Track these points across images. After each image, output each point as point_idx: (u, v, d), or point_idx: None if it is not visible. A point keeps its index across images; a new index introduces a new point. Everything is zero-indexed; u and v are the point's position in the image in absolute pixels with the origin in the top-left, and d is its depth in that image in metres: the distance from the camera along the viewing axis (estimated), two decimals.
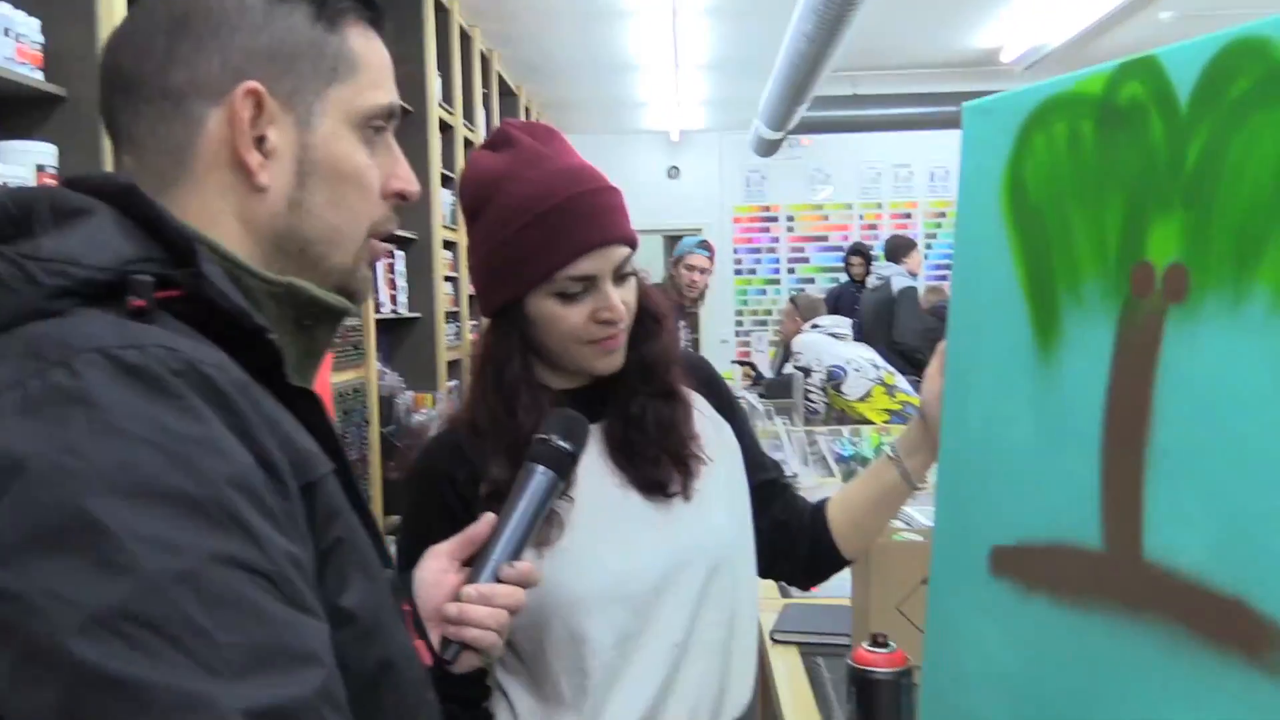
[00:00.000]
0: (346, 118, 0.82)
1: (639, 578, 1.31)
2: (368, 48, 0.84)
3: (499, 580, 1.09)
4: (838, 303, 7.52)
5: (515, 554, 1.11)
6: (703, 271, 4.94)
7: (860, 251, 8.34)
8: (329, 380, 3.26)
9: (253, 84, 0.78)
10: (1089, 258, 1.02)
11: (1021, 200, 1.12)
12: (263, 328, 0.74)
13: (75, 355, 0.63)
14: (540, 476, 1.13)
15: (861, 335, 6.72)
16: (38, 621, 0.56)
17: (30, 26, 2.15)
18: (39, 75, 2.17)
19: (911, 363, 6.28)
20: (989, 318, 1.17)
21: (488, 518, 1.13)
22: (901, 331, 6.40)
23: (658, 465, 1.36)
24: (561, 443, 1.14)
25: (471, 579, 1.10)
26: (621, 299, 1.31)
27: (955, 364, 1.25)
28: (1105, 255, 1.00)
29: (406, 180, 0.88)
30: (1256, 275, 0.84)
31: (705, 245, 5.06)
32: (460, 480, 1.30)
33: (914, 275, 6.99)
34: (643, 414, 1.36)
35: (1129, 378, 0.97)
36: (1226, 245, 0.87)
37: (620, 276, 1.32)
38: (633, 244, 1.33)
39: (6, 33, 2.08)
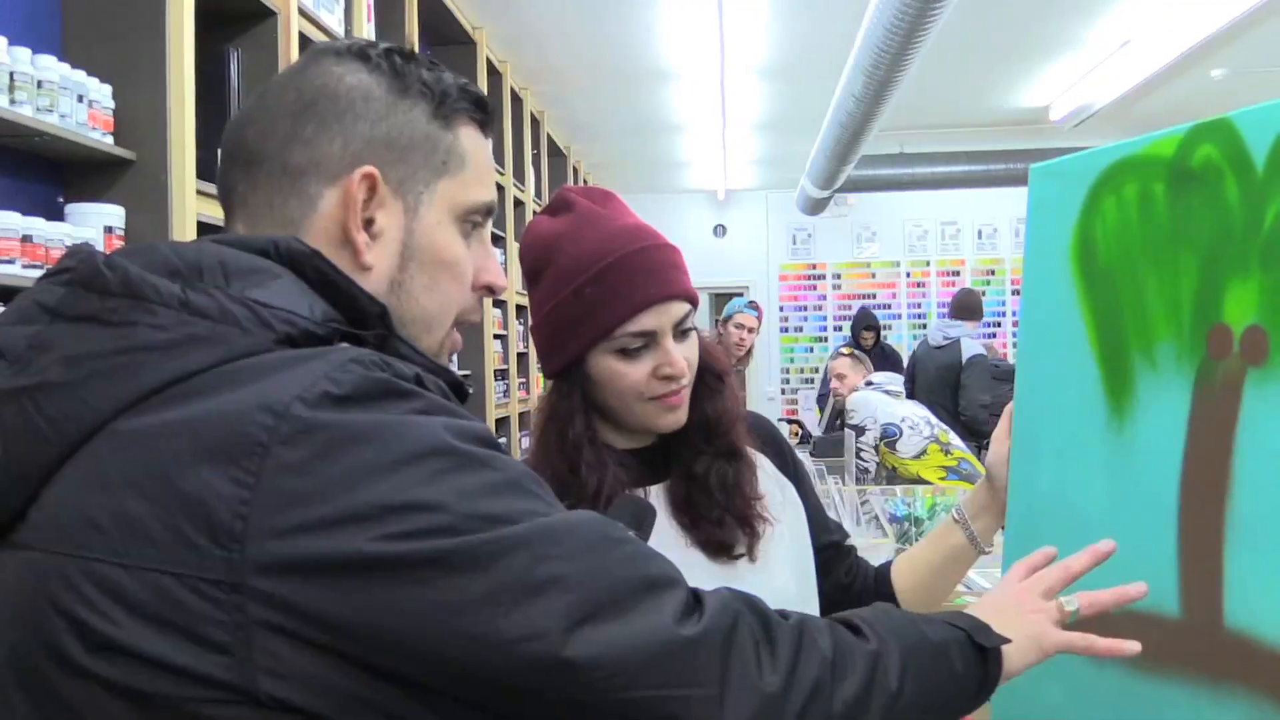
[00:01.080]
0: (450, 210, 0.86)
1: None
2: (476, 147, 0.89)
3: None
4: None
5: None
6: (750, 330, 4.98)
7: (871, 325, 8.21)
8: None
9: (370, 168, 0.82)
10: (1163, 320, 1.01)
11: (1091, 262, 1.11)
12: (459, 380, 0.81)
13: (364, 357, 0.71)
14: None
15: (913, 396, 6.45)
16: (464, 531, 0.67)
17: (102, 92, 2.21)
18: (109, 139, 2.23)
19: (973, 434, 5.68)
20: (1059, 380, 1.16)
21: None
22: (968, 403, 5.84)
23: (722, 526, 1.35)
24: (631, 531, 1.14)
25: None
26: (683, 355, 1.31)
27: (1023, 426, 1.23)
28: (1180, 317, 0.99)
29: (496, 275, 0.92)
30: None
31: (754, 305, 5.11)
32: None
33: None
34: (707, 474, 1.36)
35: (1207, 442, 0.95)
36: None
37: (681, 332, 1.32)
38: (693, 300, 1.33)
39: (80, 99, 2.14)
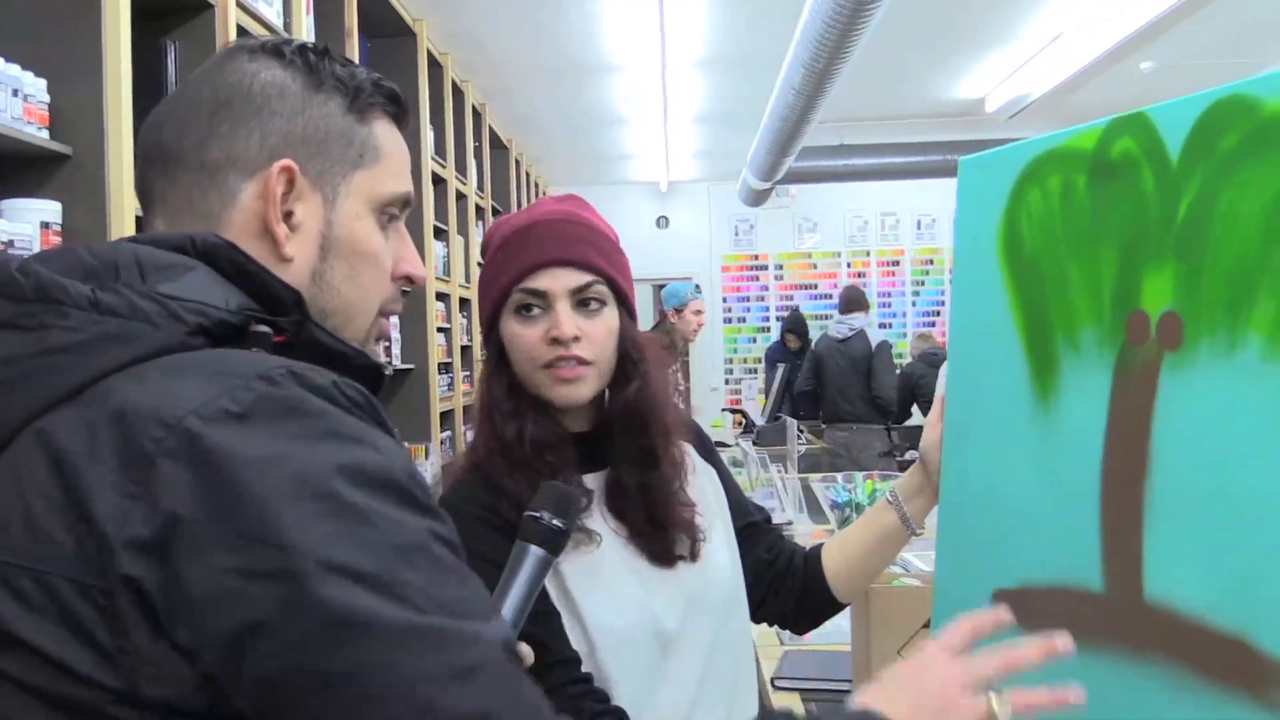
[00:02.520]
0: (368, 201, 0.88)
1: (663, 617, 1.32)
2: (391, 140, 0.90)
3: None
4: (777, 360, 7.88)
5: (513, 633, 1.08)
6: (699, 313, 5.00)
7: (795, 329, 8.59)
8: None
9: (288, 161, 0.83)
10: (1085, 307, 1.05)
11: (1017, 251, 1.15)
12: (377, 364, 0.82)
13: (271, 370, 0.70)
14: (534, 555, 1.10)
15: (819, 384, 6.89)
16: (312, 581, 0.64)
17: (37, 86, 2.18)
18: (44, 134, 2.20)
19: (885, 414, 6.72)
20: (987, 365, 1.20)
21: None
22: (881, 385, 6.64)
23: (659, 538, 1.36)
24: (554, 520, 1.11)
25: None
26: (583, 328, 1.33)
27: (954, 411, 1.27)
28: (1101, 304, 1.03)
29: (414, 265, 0.94)
30: (1249, 322, 0.88)
31: (698, 288, 5.12)
32: (502, 506, 1.31)
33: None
34: (635, 487, 1.37)
35: (1126, 423, 1.00)
36: (1219, 293, 0.91)
37: (581, 303, 1.35)
38: (599, 273, 1.35)
39: (15, 93, 2.11)
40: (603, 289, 1.35)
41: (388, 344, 4.34)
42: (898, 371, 7.20)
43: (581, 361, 1.34)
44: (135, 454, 0.66)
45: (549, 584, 1.29)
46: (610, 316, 1.36)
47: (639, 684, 1.30)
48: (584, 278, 1.34)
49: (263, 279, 0.79)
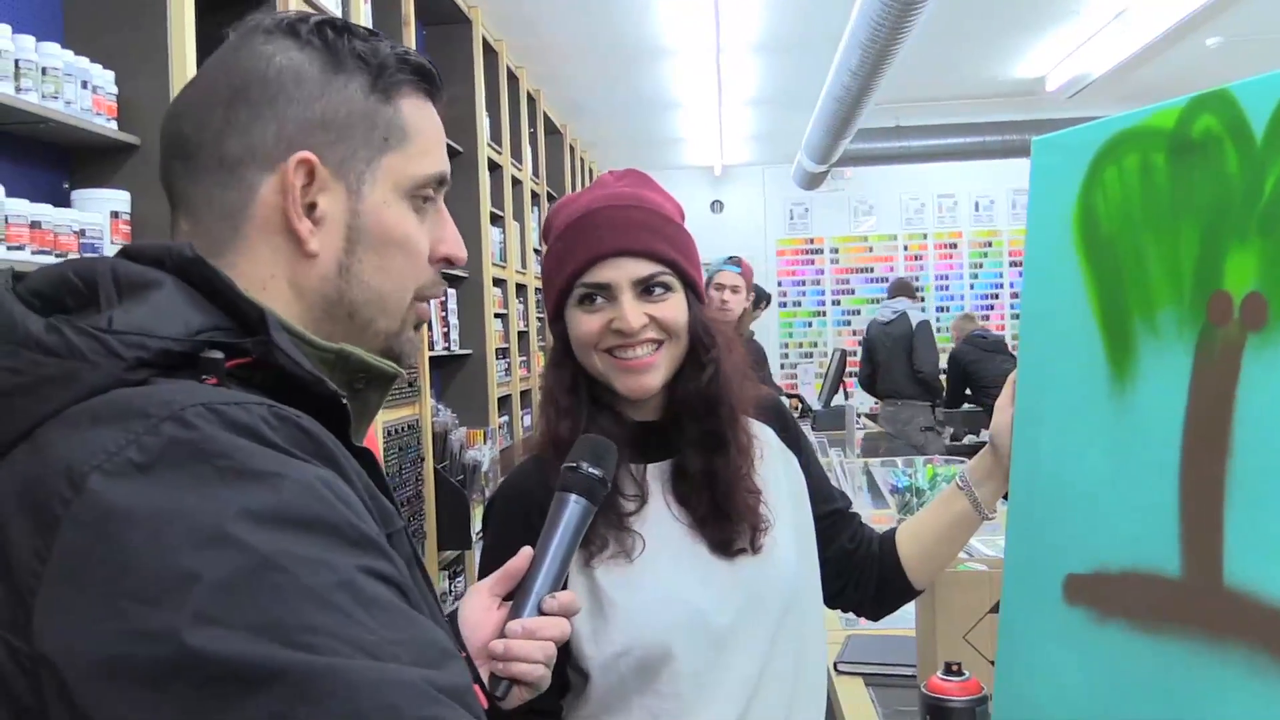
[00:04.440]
0: (396, 186, 0.84)
1: (718, 612, 1.32)
2: (421, 117, 0.86)
3: (541, 612, 1.07)
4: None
5: (555, 584, 1.09)
6: (734, 290, 4.11)
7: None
8: (378, 423, 3.31)
9: (305, 154, 0.80)
10: (1164, 287, 1.03)
11: (1093, 232, 1.13)
12: (337, 393, 0.76)
13: (183, 409, 0.65)
14: (574, 505, 1.11)
15: (873, 366, 7.42)
16: (192, 636, 0.59)
17: (105, 78, 2.22)
18: (113, 125, 2.24)
19: (929, 390, 7.23)
20: (1061, 348, 1.18)
21: (525, 551, 1.11)
22: (921, 361, 7.13)
23: (721, 525, 1.36)
24: (592, 469, 1.12)
25: (514, 614, 1.08)
26: (652, 315, 1.32)
27: (1026, 393, 1.26)
28: (1181, 285, 1.01)
29: (454, 245, 0.90)
30: None
31: (735, 260, 4.23)
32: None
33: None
34: (699, 472, 1.36)
35: (1207, 405, 0.98)
36: None
37: (646, 291, 1.33)
38: (660, 259, 1.33)
39: (84, 85, 2.15)
40: (669, 277, 1.34)
41: (445, 329, 4.38)
42: (945, 355, 7.75)
43: (652, 342, 1.33)
44: (46, 516, 0.63)
45: (580, 586, 1.30)
46: (677, 300, 1.35)
47: (688, 682, 1.30)
48: (648, 268, 1.33)
49: (229, 296, 0.75)
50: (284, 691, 0.59)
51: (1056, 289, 1.18)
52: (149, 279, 0.74)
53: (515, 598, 1.10)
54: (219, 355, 0.72)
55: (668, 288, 1.34)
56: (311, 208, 0.81)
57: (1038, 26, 6.38)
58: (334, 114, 0.82)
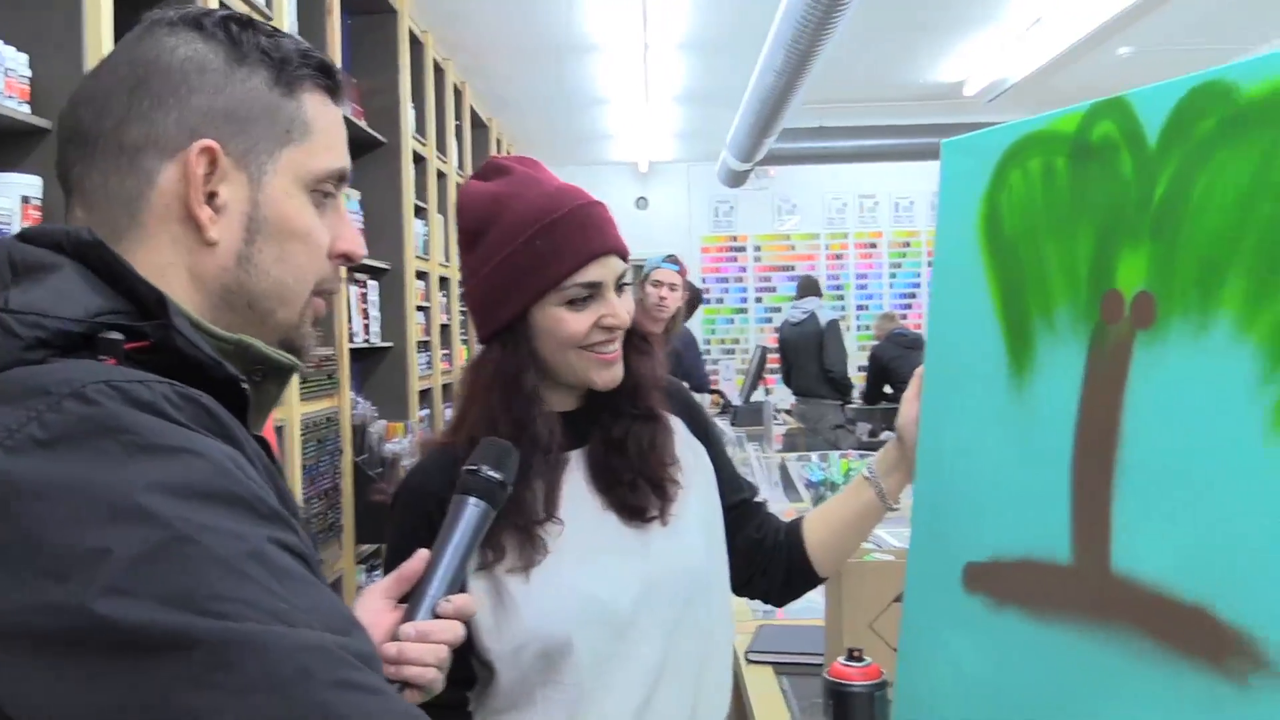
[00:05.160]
0: (297, 179, 0.85)
1: (618, 601, 1.34)
2: (323, 113, 0.87)
3: (436, 615, 1.07)
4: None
5: (451, 587, 1.09)
6: (672, 288, 4.26)
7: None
8: (295, 415, 3.28)
9: (208, 141, 0.80)
10: (1061, 286, 1.08)
11: (997, 232, 1.17)
12: (235, 376, 0.77)
13: (85, 386, 0.66)
14: (473, 508, 1.11)
15: (789, 367, 7.53)
16: (103, 606, 0.59)
17: (19, 61, 2.17)
18: (26, 109, 2.19)
19: (839, 389, 7.34)
20: (965, 344, 1.22)
21: (421, 554, 1.11)
22: (831, 361, 7.26)
23: (635, 490, 1.39)
24: (492, 473, 1.12)
25: (408, 616, 1.07)
26: (624, 309, 1.37)
27: (932, 388, 1.30)
28: (1077, 284, 1.06)
29: (353, 242, 0.90)
30: (1219, 302, 0.90)
31: (673, 259, 4.40)
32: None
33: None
34: (625, 437, 1.40)
35: (1099, 399, 1.02)
36: (1191, 274, 0.93)
37: (619, 287, 1.38)
38: (626, 257, 1.40)
39: None
40: (629, 270, 1.41)
41: (366, 321, 4.35)
42: (866, 353, 7.73)
43: (619, 343, 1.39)
44: None
45: (478, 588, 1.31)
46: (629, 294, 1.41)
47: (589, 671, 1.32)
48: (621, 265, 1.39)
49: (127, 279, 0.75)
50: (199, 657, 0.59)
51: (962, 287, 1.22)
52: (46, 262, 0.74)
53: (410, 600, 1.09)
54: (118, 337, 0.72)
55: (628, 284, 1.40)
56: (212, 196, 0.81)
57: (958, 31, 6.51)
58: (237, 105, 0.82)
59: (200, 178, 0.80)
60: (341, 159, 0.89)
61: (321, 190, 0.87)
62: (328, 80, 0.88)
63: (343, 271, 0.96)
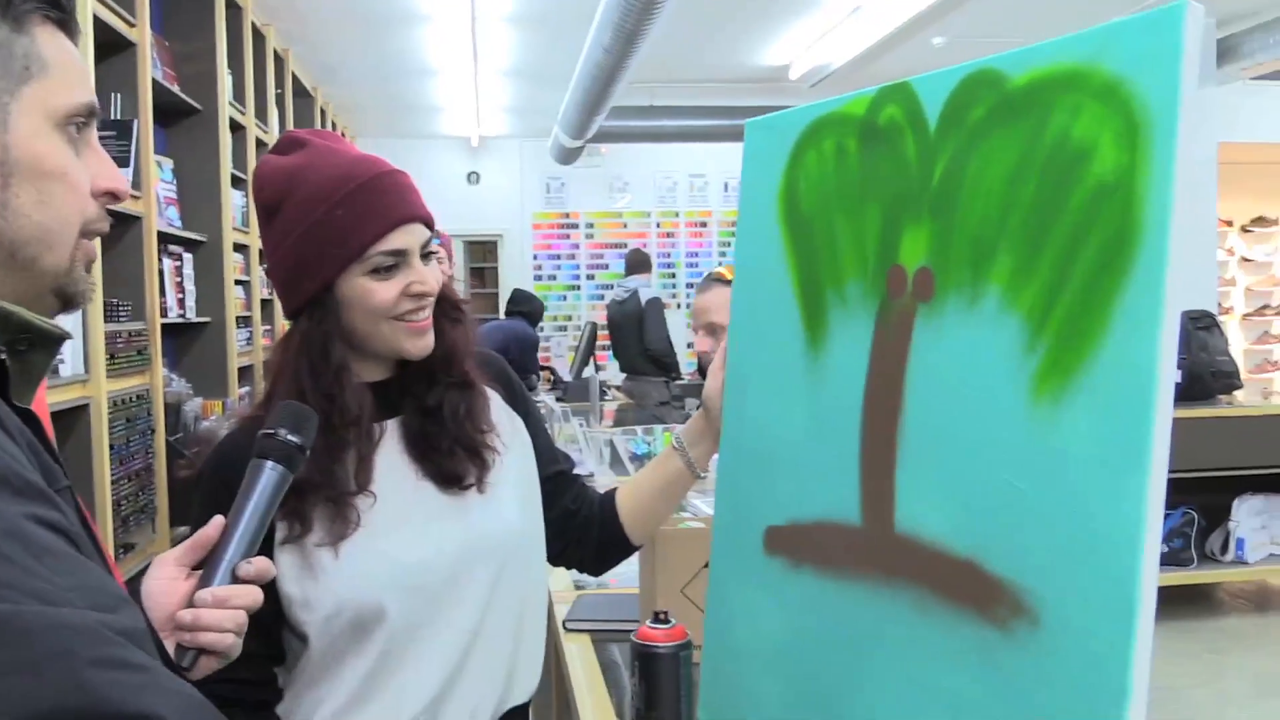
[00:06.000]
0: (46, 116, 0.81)
1: (433, 568, 1.35)
2: (58, 48, 0.83)
3: (236, 579, 1.05)
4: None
5: (249, 552, 1.07)
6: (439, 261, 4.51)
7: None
8: (102, 392, 3.15)
9: None
10: (852, 261, 1.13)
11: (794, 210, 1.22)
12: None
13: None
14: (270, 472, 1.09)
15: (617, 344, 7.58)
16: None
17: None
18: None
19: (661, 366, 7.33)
20: (766, 317, 1.27)
21: (216, 520, 1.08)
22: (651, 339, 7.25)
23: (452, 457, 1.40)
24: (290, 436, 1.10)
25: (204, 583, 1.05)
26: (431, 276, 1.37)
27: (735, 361, 1.35)
28: (865, 260, 1.11)
29: (114, 178, 0.87)
30: (989, 277, 0.96)
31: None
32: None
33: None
34: (439, 405, 1.40)
35: (884, 370, 1.08)
36: (965, 252, 0.99)
37: (425, 255, 1.37)
38: (431, 225, 1.39)
39: None
40: (433, 238, 1.39)
41: (181, 295, 4.20)
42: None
43: (429, 312, 1.38)
44: None
45: (286, 561, 1.31)
46: (435, 262, 1.40)
47: (401, 638, 1.33)
48: (427, 232, 1.38)
49: None
50: None
51: (763, 262, 1.27)
52: None
53: (205, 567, 1.06)
54: None
55: (433, 252, 1.38)
56: None
57: (782, 16, 6.66)
58: None
59: None
60: (88, 92, 0.84)
61: (73, 124, 0.83)
62: (58, 12, 0.84)
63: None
